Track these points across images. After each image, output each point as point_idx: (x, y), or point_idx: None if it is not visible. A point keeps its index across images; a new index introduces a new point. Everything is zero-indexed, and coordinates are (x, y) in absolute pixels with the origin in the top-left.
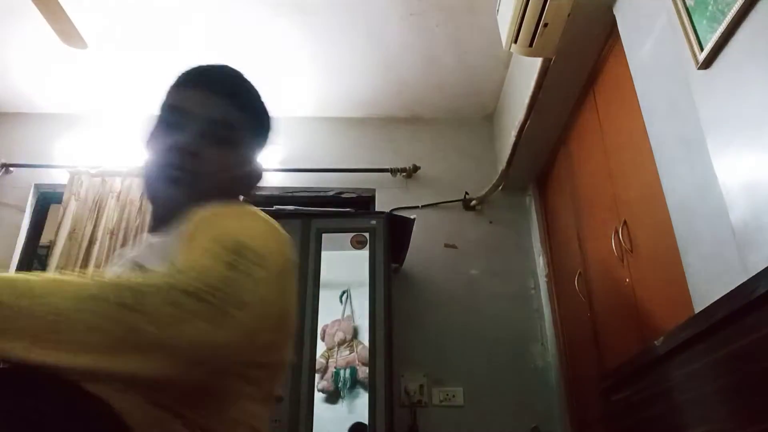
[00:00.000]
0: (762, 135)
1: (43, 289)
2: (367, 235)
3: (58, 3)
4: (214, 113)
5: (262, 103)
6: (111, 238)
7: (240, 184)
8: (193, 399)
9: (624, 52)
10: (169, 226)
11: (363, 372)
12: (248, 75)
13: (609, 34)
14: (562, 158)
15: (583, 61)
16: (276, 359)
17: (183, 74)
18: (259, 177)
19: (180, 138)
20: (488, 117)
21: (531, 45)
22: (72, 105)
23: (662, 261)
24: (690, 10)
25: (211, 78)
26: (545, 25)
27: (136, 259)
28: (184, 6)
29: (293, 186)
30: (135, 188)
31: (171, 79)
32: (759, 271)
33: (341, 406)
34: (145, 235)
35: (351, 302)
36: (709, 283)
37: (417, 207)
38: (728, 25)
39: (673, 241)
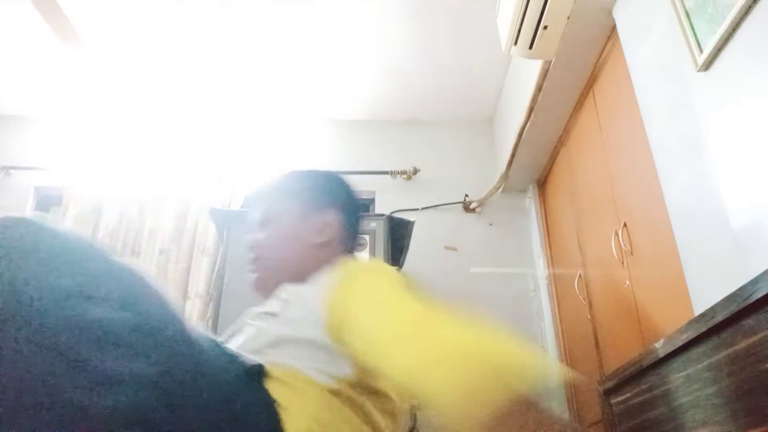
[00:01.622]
0: (762, 137)
1: None
2: (366, 237)
3: (57, 4)
4: None
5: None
6: (111, 240)
7: None
8: None
9: (623, 55)
10: None
11: None
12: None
13: (608, 36)
14: (561, 160)
15: (582, 63)
16: None
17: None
18: None
19: None
20: (488, 119)
21: (531, 47)
22: (72, 108)
23: (662, 263)
24: (689, 12)
25: None
26: (545, 27)
27: None
28: (183, 11)
29: None
30: (134, 191)
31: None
32: (759, 273)
33: None
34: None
35: None
36: (708, 285)
37: (417, 209)
38: (728, 28)
39: (673, 243)
